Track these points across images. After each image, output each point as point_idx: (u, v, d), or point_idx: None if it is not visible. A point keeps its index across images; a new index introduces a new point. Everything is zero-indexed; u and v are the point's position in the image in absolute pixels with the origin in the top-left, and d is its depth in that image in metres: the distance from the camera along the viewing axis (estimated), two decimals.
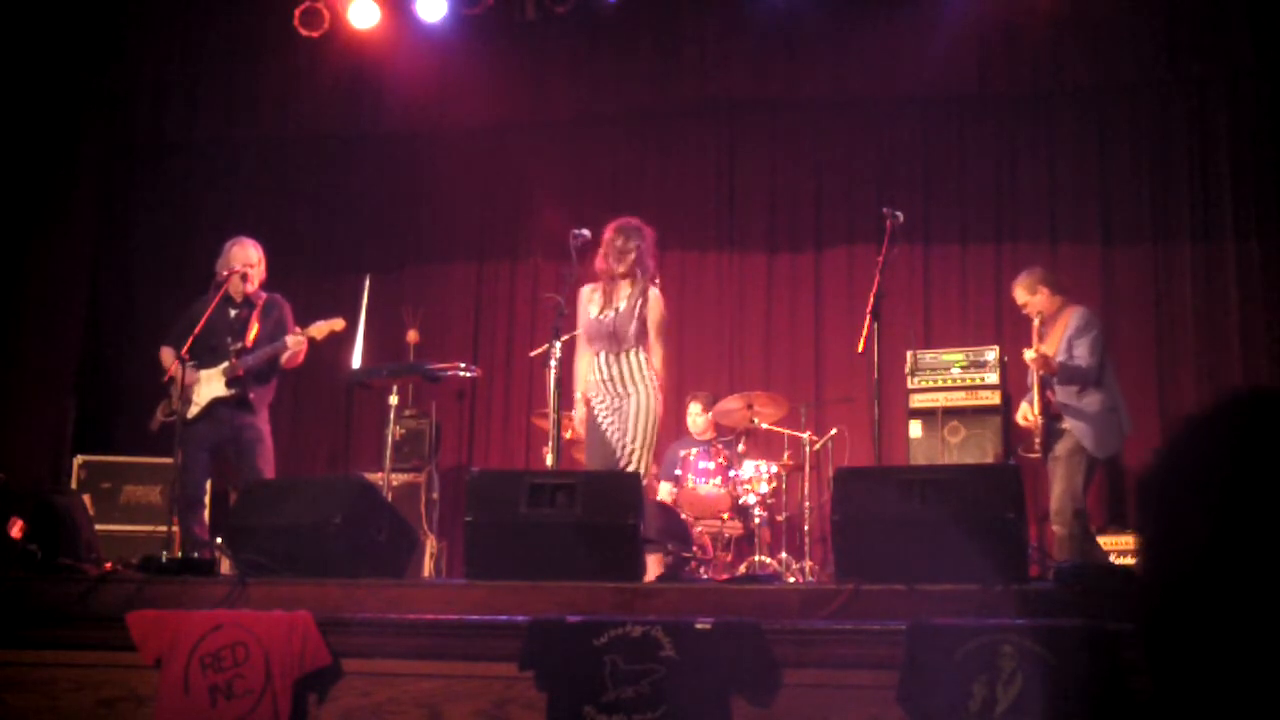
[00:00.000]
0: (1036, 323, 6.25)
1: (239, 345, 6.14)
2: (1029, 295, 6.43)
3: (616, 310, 5.59)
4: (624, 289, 5.64)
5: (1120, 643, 3.09)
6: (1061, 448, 6.18)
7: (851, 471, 4.75)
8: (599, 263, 5.70)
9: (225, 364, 6.10)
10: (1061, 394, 6.23)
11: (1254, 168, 7.65)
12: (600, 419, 5.56)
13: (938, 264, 8.26)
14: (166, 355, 6.23)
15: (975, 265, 8.20)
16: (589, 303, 5.69)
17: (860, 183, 8.37)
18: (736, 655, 3.39)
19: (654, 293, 5.69)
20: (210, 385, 6.11)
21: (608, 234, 5.71)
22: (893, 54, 7.94)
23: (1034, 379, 6.25)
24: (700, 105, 8.51)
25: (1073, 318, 6.27)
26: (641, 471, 5.41)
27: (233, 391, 6.10)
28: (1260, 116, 7.66)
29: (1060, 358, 6.17)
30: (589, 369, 5.66)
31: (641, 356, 5.60)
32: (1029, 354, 6.17)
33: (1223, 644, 0.99)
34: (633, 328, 5.57)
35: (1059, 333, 6.26)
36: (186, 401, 6.04)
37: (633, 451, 5.47)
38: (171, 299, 8.23)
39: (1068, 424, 6.18)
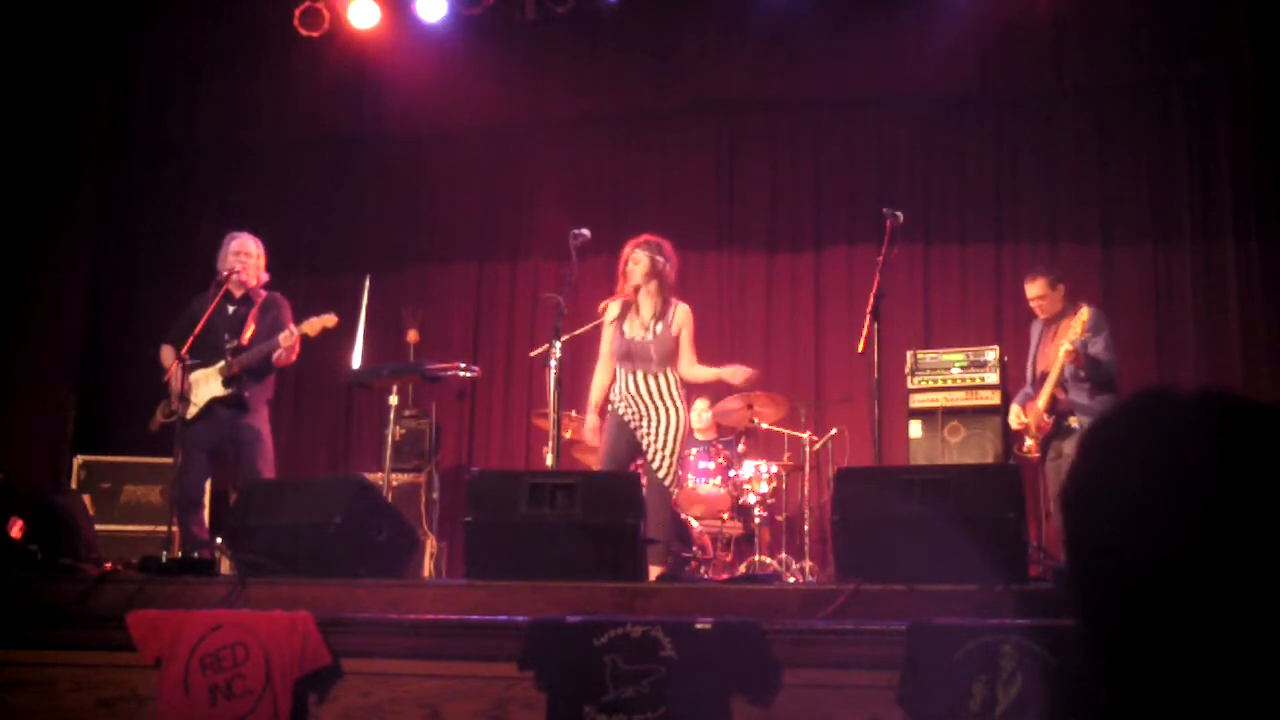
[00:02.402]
0: (1085, 313, 6.16)
1: (234, 343, 6.13)
2: (1049, 290, 6.46)
3: (653, 333, 5.69)
4: (650, 308, 5.73)
5: None
6: (1071, 447, 6.16)
7: (851, 471, 4.75)
8: (620, 280, 5.79)
9: (221, 363, 6.10)
10: (1074, 392, 6.23)
11: (1254, 168, 7.65)
12: (628, 420, 5.64)
13: (938, 264, 8.26)
14: (167, 354, 6.22)
15: (975, 265, 8.19)
16: (620, 320, 5.75)
17: (860, 183, 8.36)
18: (736, 655, 3.39)
19: (684, 309, 5.79)
20: (207, 385, 6.11)
21: (626, 251, 5.78)
22: (893, 54, 7.94)
23: (1053, 375, 6.23)
24: (700, 105, 8.51)
25: (1087, 316, 6.27)
26: (669, 480, 5.56)
27: (229, 391, 6.09)
28: (1260, 116, 7.65)
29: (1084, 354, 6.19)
30: (612, 383, 5.75)
31: (673, 377, 5.71)
32: (1065, 345, 6.11)
33: (1178, 650, 0.99)
34: (668, 349, 5.69)
35: (1069, 331, 6.25)
36: (185, 402, 6.03)
37: (664, 459, 5.58)
38: (171, 299, 8.22)
39: (1077, 422, 6.18)
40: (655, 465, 5.54)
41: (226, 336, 6.15)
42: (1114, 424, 1.07)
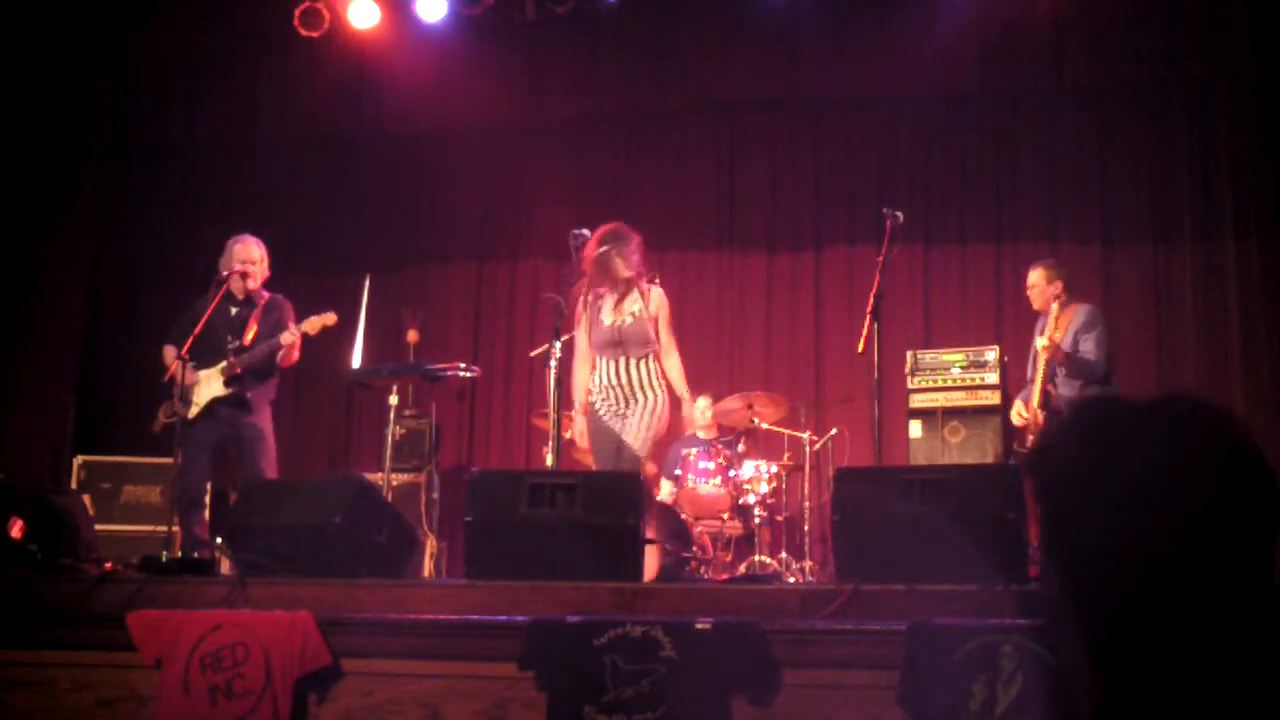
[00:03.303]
0: (1055, 309, 6.18)
1: (237, 344, 6.14)
2: (1046, 284, 6.43)
3: (632, 316, 5.58)
4: (626, 295, 5.63)
5: None
6: None
7: (851, 471, 4.76)
8: (587, 275, 5.64)
9: (224, 363, 6.11)
10: (1065, 389, 6.23)
11: (1254, 168, 7.65)
12: (609, 422, 5.55)
13: (938, 264, 8.26)
14: (168, 354, 6.23)
15: (975, 265, 8.20)
16: (597, 311, 5.65)
17: (860, 183, 8.36)
18: (736, 655, 3.39)
19: (657, 291, 5.69)
20: (209, 385, 6.11)
21: (600, 249, 5.60)
22: (893, 54, 7.94)
23: (1039, 371, 6.23)
24: (700, 105, 8.51)
25: (1079, 312, 6.28)
26: (643, 452, 5.46)
27: (231, 391, 6.10)
28: (1260, 117, 7.65)
29: (1066, 350, 6.18)
30: (591, 375, 5.65)
31: (653, 365, 5.59)
32: (1041, 341, 6.12)
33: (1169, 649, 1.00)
34: (645, 334, 5.57)
35: (1062, 327, 6.26)
36: (187, 402, 6.05)
37: (640, 435, 5.46)
38: (171, 299, 8.22)
39: None
40: (629, 438, 5.44)
41: (229, 338, 6.16)
42: (1107, 423, 1.08)
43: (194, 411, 6.08)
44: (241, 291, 6.31)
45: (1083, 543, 1.03)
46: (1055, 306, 6.19)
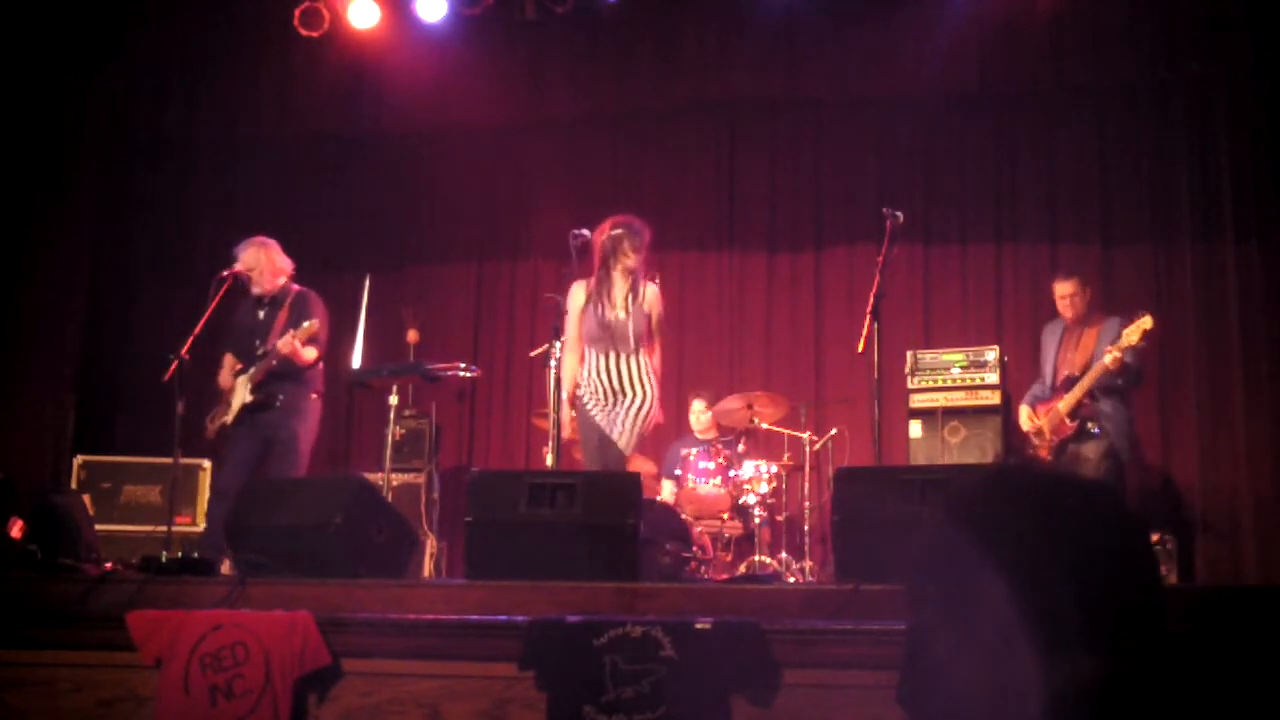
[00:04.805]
0: (1146, 322, 6.17)
1: (262, 349, 6.16)
2: (1081, 289, 6.58)
3: (626, 312, 5.56)
4: (622, 288, 5.61)
5: None
6: (1092, 450, 6.28)
7: (851, 471, 4.76)
8: (602, 260, 5.64)
9: (252, 370, 6.15)
10: (1104, 400, 6.32)
11: (1254, 168, 7.65)
12: (595, 417, 5.55)
13: (938, 264, 8.26)
14: (227, 362, 6.33)
15: (975, 265, 8.20)
16: (588, 301, 5.63)
17: (860, 183, 8.36)
18: (736, 655, 3.40)
19: (653, 289, 5.68)
20: (241, 392, 6.18)
21: (613, 231, 5.62)
22: (892, 54, 7.93)
23: (1085, 380, 6.29)
24: (700, 105, 8.50)
25: (1111, 324, 6.41)
26: (626, 452, 5.46)
27: (255, 398, 6.13)
28: (1260, 116, 7.65)
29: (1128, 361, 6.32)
30: (580, 366, 5.64)
31: (644, 360, 5.58)
32: (1114, 353, 6.16)
33: None
34: (642, 329, 5.57)
35: (1091, 338, 6.33)
36: (227, 406, 6.18)
37: (624, 432, 5.46)
38: (171, 299, 8.24)
39: (1100, 427, 6.25)
40: (615, 436, 5.43)
41: (256, 343, 6.19)
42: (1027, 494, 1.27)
43: (230, 418, 6.18)
44: (262, 294, 6.30)
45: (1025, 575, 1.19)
46: (1148, 320, 6.16)
